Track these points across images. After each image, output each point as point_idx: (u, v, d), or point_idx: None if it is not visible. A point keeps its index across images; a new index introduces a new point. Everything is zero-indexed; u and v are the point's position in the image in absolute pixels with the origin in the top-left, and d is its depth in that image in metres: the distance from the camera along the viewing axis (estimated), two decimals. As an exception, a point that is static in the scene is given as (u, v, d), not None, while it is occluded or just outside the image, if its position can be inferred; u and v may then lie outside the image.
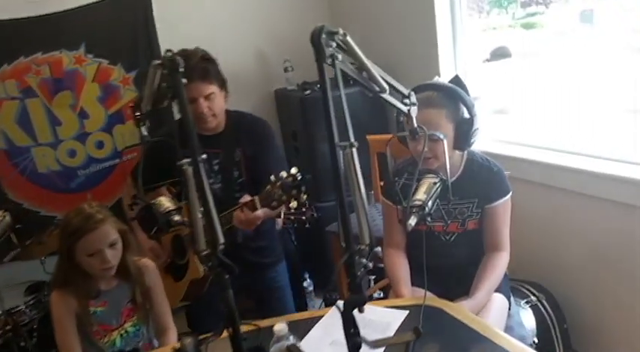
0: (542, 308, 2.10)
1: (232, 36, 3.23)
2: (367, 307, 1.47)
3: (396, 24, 3.01)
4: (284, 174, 1.66)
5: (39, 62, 2.82)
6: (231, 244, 1.93)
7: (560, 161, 2.14)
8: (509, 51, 2.88)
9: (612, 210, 1.97)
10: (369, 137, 2.77)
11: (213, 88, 2.00)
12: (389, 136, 2.77)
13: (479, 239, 1.68)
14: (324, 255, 3.00)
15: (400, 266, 1.70)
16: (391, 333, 1.31)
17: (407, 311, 1.39)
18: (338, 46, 0.89)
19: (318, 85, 3.14)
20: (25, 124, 2.86)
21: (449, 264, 1.66)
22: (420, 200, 1.18)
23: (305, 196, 1.62)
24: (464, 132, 1.52)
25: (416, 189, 1.23)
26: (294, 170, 1.65)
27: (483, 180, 1.62)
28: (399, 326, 1.34)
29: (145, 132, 1.21)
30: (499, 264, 1.62)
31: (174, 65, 0.91)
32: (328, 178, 2.65)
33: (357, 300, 0.91)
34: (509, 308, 1.70)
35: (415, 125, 1.22)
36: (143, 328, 1.65)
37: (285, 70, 3.33)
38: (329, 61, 0.86)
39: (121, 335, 1.62)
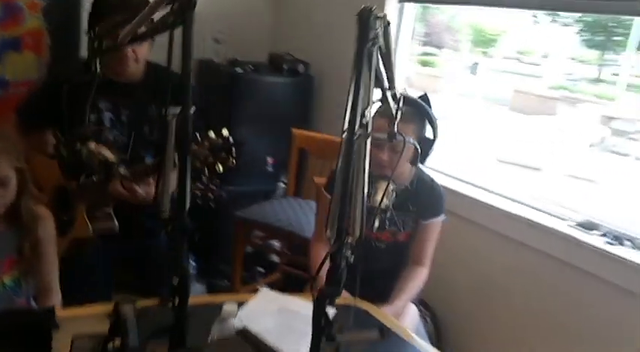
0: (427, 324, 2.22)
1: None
2: (294, 300, 1.43)
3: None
4: (212, 133, 1.54)
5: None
6: (127, 204, 1.78)
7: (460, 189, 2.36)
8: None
9: (503, 243, 2.16)
10: (295, 131, 2.73)
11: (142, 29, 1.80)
12: (315, 134, 2.78)
13: (405, 251, 1.74)
14: (217, 239, 2.89)
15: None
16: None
17: (333, 309, 1.36)
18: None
19: (251, 66, 3.03)
20: None
21: (373, 269, 1.66)
22: (385, 204, 1.17)
23: (234, 162, 1.52)
24: (424, 150, 1.56)
25: (375, 192, 1.22)
26: (225, 132, 1.54)
27: (425, 197, 1.68)
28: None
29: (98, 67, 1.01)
30: (419, 278, 1.70)
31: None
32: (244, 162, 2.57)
33: (332, 293, 0.86)
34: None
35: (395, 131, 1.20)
36: (24, 284, 1.41)
37: (216, 41, 3.17)
38: (369, 44, 0.80)
39: (-1, 286, 1.37)
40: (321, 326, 0.86)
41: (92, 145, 1.17)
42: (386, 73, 1.00)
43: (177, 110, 0.88)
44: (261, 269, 3.01)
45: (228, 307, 1.04)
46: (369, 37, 0.79)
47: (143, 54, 1.86)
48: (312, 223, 2.43)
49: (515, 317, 2.22)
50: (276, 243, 2.89)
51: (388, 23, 0.85)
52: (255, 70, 3.05)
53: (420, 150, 1.56)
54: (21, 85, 2.67)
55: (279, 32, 3.42)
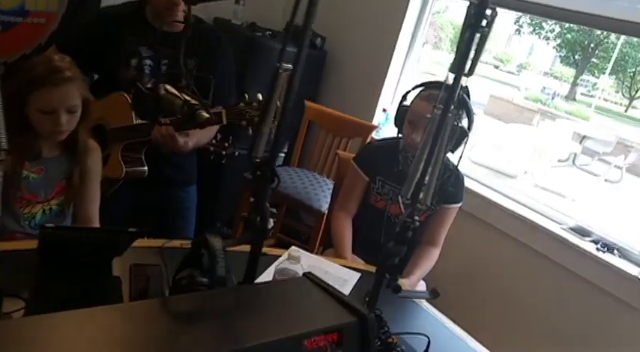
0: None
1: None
2: (325, 260, 1.54)
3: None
4: (260, 96, 1.63)
5: None
6: (155, 153, 1.85)
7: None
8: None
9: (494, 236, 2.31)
10: (308, 103, 2.80)
11: None
12: (327, 108, 2.86)
13: (420, 231, 1.83)
14: (221, 194, 2.93)
15: (348, 232, 1.79)
16: (347, 290, 1.39)
17: (359, 274, 1.48)
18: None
19: (268, 32, 3.07)
20: None
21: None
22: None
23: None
24: (457, 140, 1.61)
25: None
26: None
27: (449, 182, 1.76)
28: (354, 286, 1.43)
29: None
30: (432, 257, 1.80)
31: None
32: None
33: (397, 251, 0.97)
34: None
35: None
36: (67, 209, 1.46)
37: (237, 1, 3.17)
38: (479, 30, 0.88)
39: (44, 210, 1.41)
40: (382, 278, 0.96)
41: (171, 88, 1.23)
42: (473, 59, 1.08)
43: (289, 66, 0.95)
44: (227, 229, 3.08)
45: (294, 252, 1.14)
46: (481, 25, 0.87)
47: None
48: (315, 193, 2.54)
49: (503, 307, 2.40)
50: (272, 209, 2.97)
51: (496, 13, 0.93)
52: (273, 37, 3.09)
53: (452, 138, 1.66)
54: (40, 15, 2.63)
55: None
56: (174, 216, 2.15)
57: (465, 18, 0.88)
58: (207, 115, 1.15)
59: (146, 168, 1.87)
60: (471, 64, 1.15)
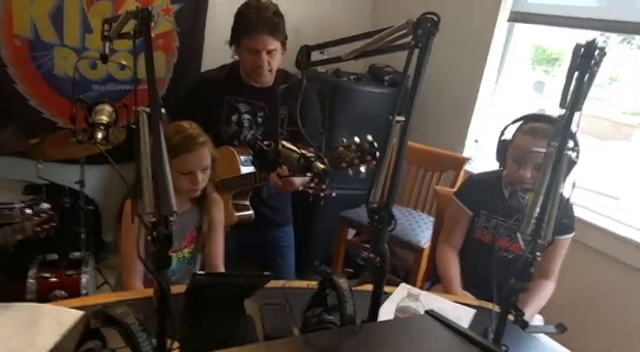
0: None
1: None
2: (437, 296, 1.56)
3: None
4: (357, 139, 1.72)
5: (91, -39, 2.67)
6: (256, 197, 1.99)
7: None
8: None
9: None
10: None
11: (277, 44, 2.02)
12: (416, 144, 2.91)
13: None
14: (315, 231, 3.02)
15: (455, 266, 1.81)
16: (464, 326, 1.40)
17: (474, 310, 1.49)
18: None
19: (352, 76, 3.19)
20: (57, 21, 2.68)
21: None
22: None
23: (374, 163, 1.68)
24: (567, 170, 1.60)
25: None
26: (370, 137, 1.70)
27: (562, 213, 1.72)
28: (470, 323, 1.43)
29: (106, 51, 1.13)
30: (547, 290, 1.77)
31: (147, 19, 0.90)
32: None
33: (520, 287, 0.99)
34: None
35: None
36: (197, 256, 1.62)
37: (321, 51, 3.34)
38: (589, 68, 0.91)
39: (178, 258, 1.58)
40: (508, 311, 0.98)
41: (287, 143, 1.36)
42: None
43: (402, 117, 1.04)
44: (349, 270, 3.15)
45: (413, 291, 1.19)
46: (590, 67, 0.91)
47: (277, 63, 2.08)
48: (411, 228, 2.57)
49: (617, 334, 2.26)
50: (366, 245, 3.03)
51: (605, 54, 0.95)
52: (357, 80, 3.22)
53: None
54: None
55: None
56: (275, 255, 2.30)
57: (572, 59, 0.92)
58: (322, 166, 1.26)
59: (252, 212, 2.04)
60: (582, 100, 1.17)
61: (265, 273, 1.16)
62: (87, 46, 2.76)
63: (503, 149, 1.70)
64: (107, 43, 1.10)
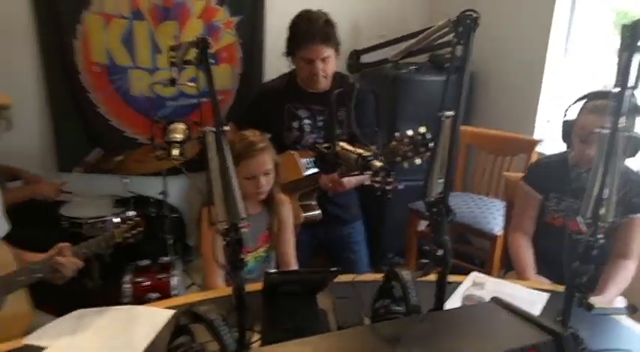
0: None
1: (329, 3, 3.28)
2: (508, 283, 1.57)
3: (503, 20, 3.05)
4: (410, 132, 1.73)
5: (154, -14, 2.86)
6: (323, 197, 2.07)
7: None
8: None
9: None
10: (462, 127, 2.82)
11: (330, 52, 2.09)
12: (483, 130, 2.87)
13: (608, 244, 1.75)
14: (387, 224, 3.05)
15: (527, 252, 1.80)
16: (537, 311, 1.40)
17: (548, 294, 1.48)
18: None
19: (413, 67, 3.14)
20: (129, 45, 2.91)
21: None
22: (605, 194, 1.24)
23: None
24: (634, 147, 1.53)
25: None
26: (423, 129, 1.72)
27: (634, 191, 1.68)
28: (545, 307, 1.43)
29: (175, 76, 1.23)
30: (627, 271, 1.70)
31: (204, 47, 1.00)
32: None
33: (584, 270, 0.99)
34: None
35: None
36: (271, 255, 1.73)
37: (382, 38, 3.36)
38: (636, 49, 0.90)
39: (255, 258, 1.70)
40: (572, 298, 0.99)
41: (345, 144, 1.42)
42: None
43: (451, 112, 1.07)
44: (424, 261, 3.16)
45: (478, 279, 1.22)
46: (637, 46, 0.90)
47: (331, 69, 2.15)
48: (483, 216, 2.55)
49: None
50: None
51: None
52: (418, 70, 3.21)
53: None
54: (220, 93, 3.11)
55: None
56: (346, 251, 2.37)
57: (621, 39, 0.91)
58: (379, 164, 1.31)
59: (319, 211, 2.13)
60: (636, 77, 1.14)
61: (333, 269, 1.23)
62: (157, 65, 2.97)
63: (568, 129, 1.66)
64: (174, 68, 1.21)
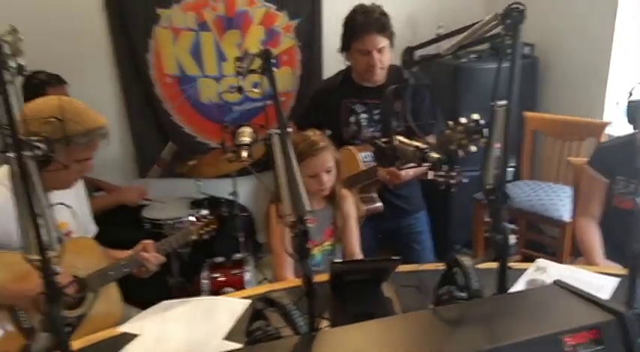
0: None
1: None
2: (576, 268, 1.56)
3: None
4: (463, 119, 1.74)
5: (217, -2, 3.01)
6: (385, 189, 2.11)
7: None
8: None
9: None
10: (527, 113, 2.79)
11: (385, 42, 2.12)
12: (549, 115, 2.81)
13: None
14: (453, 216, 3.05)
15: (594, 237, 1.78)
16: (605, 295, 1.39)
17: (618, 279, 1.46)
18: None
19: (473, 56, 3.17)
20: (196, 55, 3.08)
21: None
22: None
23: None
24: None
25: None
26: (476, 115, 1.72)
27: None
28: (615, 291, 1.42)
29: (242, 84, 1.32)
30: None
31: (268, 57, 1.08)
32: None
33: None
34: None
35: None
36: (337, 248, 1.81)
37: (438, 35, 3.35)
38: None
39: (321, 251, 1.79)
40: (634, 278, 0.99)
41: (402, 138, 1.47)
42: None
43: (504, 102, 1.10)
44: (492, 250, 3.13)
45: (540, 263, 1.23)
46: None
47: (387, 60, 2.18)
48: (551, 203, 2.50)
49: None
50: (510, 225, 2.98)
51: None
52: (478, 58, 3.17)
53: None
54: (282, 95, 3.23)
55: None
56: (410, 241, 2.41)
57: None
58: (437, 156, 1.35)
59: (381, 203, 2.18)
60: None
61: (394, 258, 1.28)
62: (223, 73, 3.13)
63: (632, 110, 1.61)
64: (240, 77, 1.32)
